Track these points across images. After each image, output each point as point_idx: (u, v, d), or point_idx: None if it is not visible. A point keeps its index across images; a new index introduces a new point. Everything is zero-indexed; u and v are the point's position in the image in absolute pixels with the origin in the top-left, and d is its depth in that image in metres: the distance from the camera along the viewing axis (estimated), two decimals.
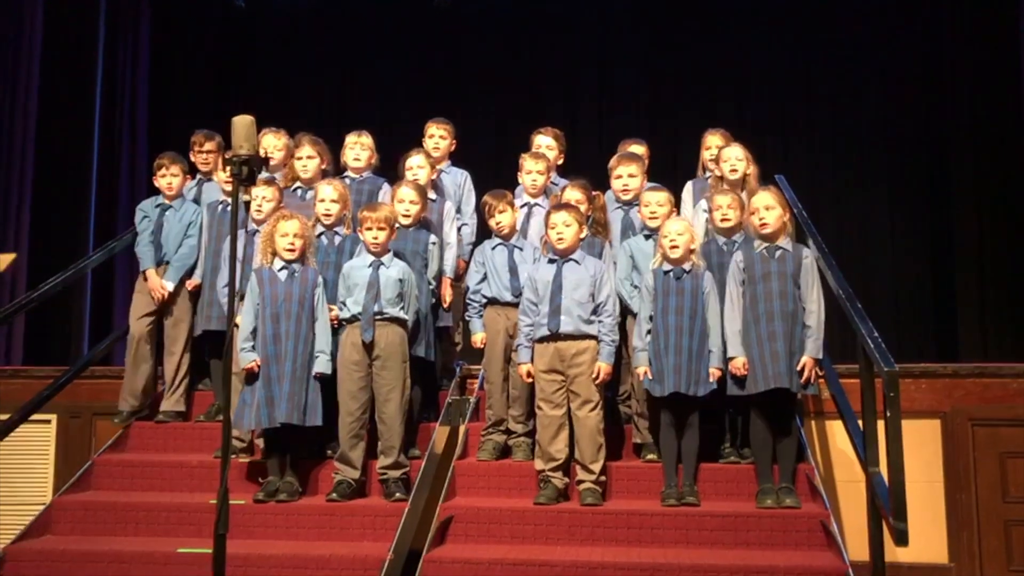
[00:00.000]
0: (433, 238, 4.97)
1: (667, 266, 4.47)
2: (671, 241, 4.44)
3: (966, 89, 7.82)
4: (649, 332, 4.45)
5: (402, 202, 4.88)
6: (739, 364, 4.31)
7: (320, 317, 4.58)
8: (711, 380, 4.34)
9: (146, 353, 5.22)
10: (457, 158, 5.76)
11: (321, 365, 4.52)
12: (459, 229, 5.38)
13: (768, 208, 4.40)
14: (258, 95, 8.65)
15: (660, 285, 4.45)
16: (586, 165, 5.86)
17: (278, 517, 4.36)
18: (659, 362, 4.36)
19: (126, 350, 5.28)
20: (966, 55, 7.84)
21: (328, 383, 4.56)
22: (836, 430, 4.97)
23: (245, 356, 4.50)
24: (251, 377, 4.49)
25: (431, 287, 4.95)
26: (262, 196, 4.93)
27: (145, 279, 5.26)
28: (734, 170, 4.96)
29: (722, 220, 4.65)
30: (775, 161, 6.93)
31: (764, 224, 4.39)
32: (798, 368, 4.24)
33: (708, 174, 5.33)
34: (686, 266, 4.45)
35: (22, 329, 7.20)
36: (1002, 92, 7.50)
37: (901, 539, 3.59)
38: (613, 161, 5.17)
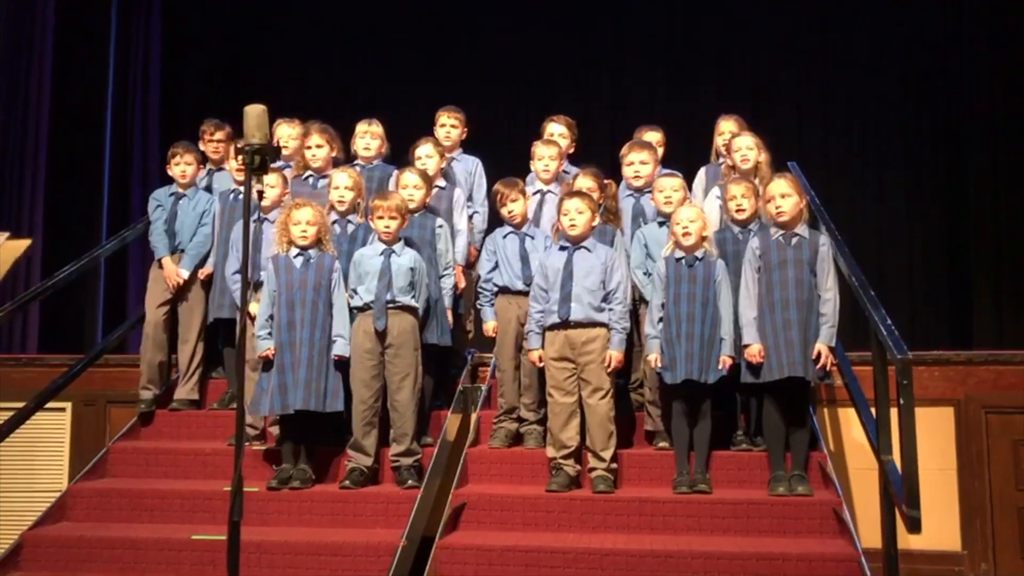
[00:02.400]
0: (440, 221, 4.95)
1: (679, 253, 4.45)
2: (683, 228, 4.43)
3: (984, 73, 7.72)
4: (661, 319, 4.44)
5: (406, 187, 4.87)
6: (755, 351, 4.29)
7: (337, 302, 4.59)
8: (722, 368, 4.34)
9: (162, 341, 5.26)
10: (468, 145, 5.75)
11: (340, 348, 4.52)
12: (470, 217, 5.38)
13: (784, 196, 4.37)
14: (270, 83, 8.65)
15: (672, 272, 4.44)
16: (599, 151, 5.85)
17: (291, 504, 4.38)
18: (671, 350, 4.36)
19: (142, 339, 5.31)
20: (984, 37, 7.74)
21: (342, 371, 4.58)
22: (849, 418, 4.96)
23: (260, 343, 4.53)
24: (267, 364, 4.52)
25: (446, 272, 4.94)
26: (267, 183, 4.93)
27: (160, 267, 5.29)
28: (745, 159, 4.94)
29: (737, 210, 4.63)
30: (789, 146, 6.89)
31: (781, 212, 4.37)
32: (813, 356, 4.23)
33: (721, 160, 5.31)
34: (698, 253, 4.44)
35: (37, 317, 7.25)
36: (1019, 82, 7.42)
37: (914, 527, 3.58)
38: (625, 148, 5.16)
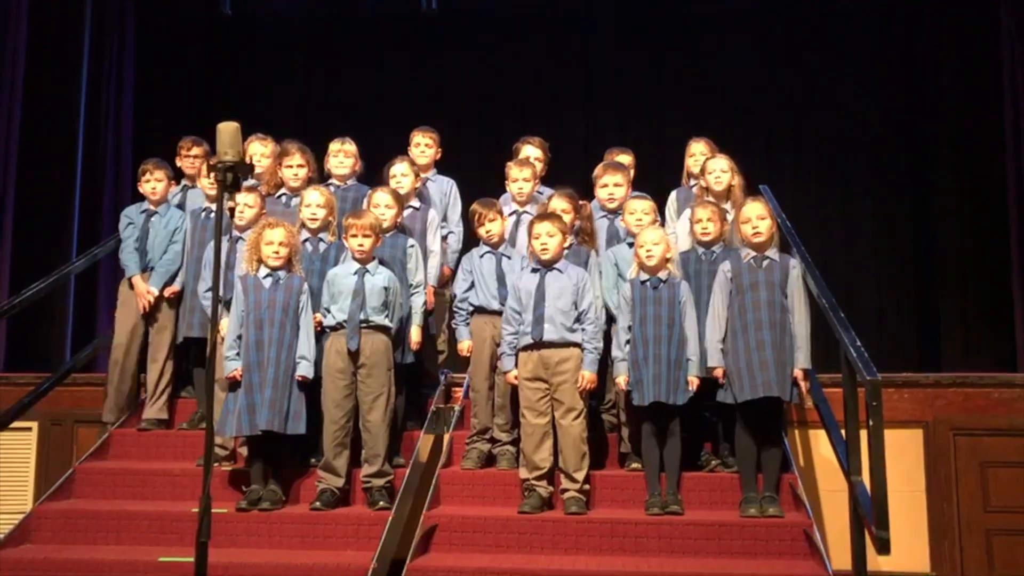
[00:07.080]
0: (411, 241, 4.96)
1: (644, 276, 4.49)
2: (647, 251, 4.47)
3: (949, 104, 7.90)
4: (628, 342, 4.46)
5: (377, 207, 4.86)
6: (719, 375, 4.35)
7: (304, 323, 4.57)
8: (689, 388, 4.36)
9: (131, 361, 5.20)
10: (442, 165, 5.76)
11: (303, 369, 4.50)
12: (444, 237, 5.38)
13: (761, 218, 4.45)
14: (244, 101, 8.63)
15: (638, 295, 4.47)
16: (572, 173, 5.87)
17: (261, 526, 4.33)
18: (638, 371, 4.38)
19: (110, 361, 5.25)
20: (949, 71, 7.92)
21: (312, 391, 4.55)
22: (819, 439, 4.99)
23: (228, 364, 4.49)
24: (234, 384, 4.48)
25: (416, 291, 4.92)
26: (244, 203, 4.91)
27: (131, 286, 5.23)
28: (719, 181, 5.01)
29: (702, 233, 4.69)
30: (761, 170, 6.96)
31: (757, 233, 4.43)
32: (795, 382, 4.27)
33: (693, 183, 5.35)
34: (662, 275, 4.48)
35: (3, 335, 7.13)
36: (984, 109, 7.56)
37: (883, 548, 3.60)
38: (598, 170, 5.19)
